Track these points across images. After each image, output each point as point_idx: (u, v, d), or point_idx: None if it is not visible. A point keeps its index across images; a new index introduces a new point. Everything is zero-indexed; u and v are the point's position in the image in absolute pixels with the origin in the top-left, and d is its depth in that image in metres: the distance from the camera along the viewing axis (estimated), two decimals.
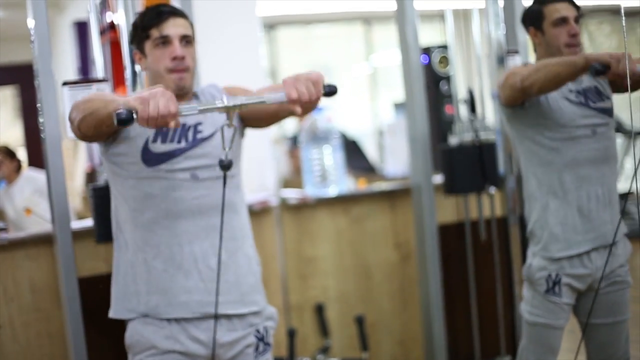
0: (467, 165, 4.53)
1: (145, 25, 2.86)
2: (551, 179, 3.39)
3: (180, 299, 2.81)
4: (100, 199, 3.65)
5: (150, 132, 2.81)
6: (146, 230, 2.81)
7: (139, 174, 2.81)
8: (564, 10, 3.38)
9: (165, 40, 2.83)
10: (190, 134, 2.84)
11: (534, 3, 3.48)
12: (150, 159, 2.80)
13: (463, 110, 4.68)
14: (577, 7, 3.42)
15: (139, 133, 2.81)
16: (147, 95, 2.40)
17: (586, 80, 3.44)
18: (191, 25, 2.92)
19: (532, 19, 3.46)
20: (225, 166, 2.53)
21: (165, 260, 2.81)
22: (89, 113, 2.62)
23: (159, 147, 2.81)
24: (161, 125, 2.41)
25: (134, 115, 2.39)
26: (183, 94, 2.87)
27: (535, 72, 3.22)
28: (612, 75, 3.03)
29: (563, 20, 3.38)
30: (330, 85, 2.60)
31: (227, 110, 2.49)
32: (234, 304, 2.85)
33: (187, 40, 2.87)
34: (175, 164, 2.80)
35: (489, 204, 4.60)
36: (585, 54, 3.15)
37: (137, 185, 2.81)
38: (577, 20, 3.41)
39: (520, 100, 3.36)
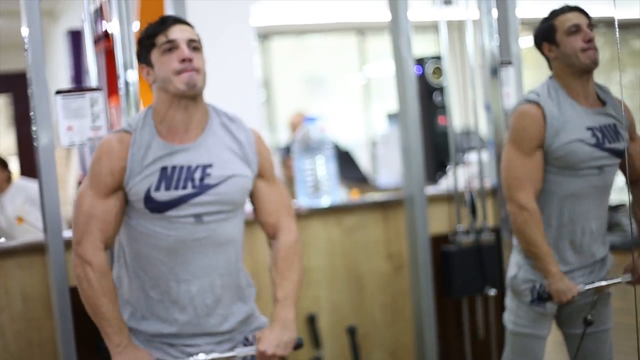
0: (466, 269, 4.58)
1: (151, 34, 2.79)
2: (550, 210, 3.37)
3: (171, 330, 2.82)
4: None
5: (152, 180, 2.73)
6: (145, 261, 2.80)
7: (142, 214, 2.77)
8: (576, 18, 3.33)
9: (172, 46, 2.75)
10: (197, 177, 2.75)
11: (542, 21, 3.41)
12: (153, 207, 2.74)
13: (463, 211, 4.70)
14: (587, 16, 3.37)
15: (141, 182, 2.74)
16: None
17: (606, 118, 3.37)
18: (197, 34, 2.85)
19: (544, 34, 3.39)
20: None
21: (162, 292, 2.80)
22: (83, 298, 2.77)
23: (162, 194, 2.73)
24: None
25: None
26: (195, 95, 2.77)
27: (520, 233, 3.32)
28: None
29: (576, 28, 3.32)
30: (297, 345, 2.89)
31: None
32: (224, 336, 2.89)
33: (195, 46, 2.79)
34: (180, 211, 2.74)
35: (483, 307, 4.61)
36: (553, 280, 3.24)
37: (140, 221, 2.78)
38: (589, 27, 3.34)
39: None
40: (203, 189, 2.75)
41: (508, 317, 3.50)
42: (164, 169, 2.74)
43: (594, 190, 3.34)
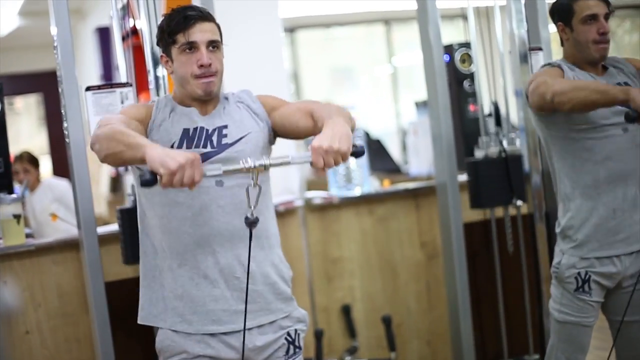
0: (493, 179, 4.53)
1: (172, 31, 2.79)
2: (585, 179, 3.35)
3: (207, 307, 2.79)
4: (127, 221, 3.67)
5: (174, 138, 2.79)
6: (172, 238, 2.80)
7: None
8: (595, 7, 3.33)
9: (191, 46, 2.76)
10: (214, 138, 2.81)
11: None
12: None
13: (488, 122, 4.66)
14: (607, 4, 3.36)
15: (162, 138, 2.78)
16: (175, 166, 2.36)
17: (617, 76, 3.40)
18: (218, 27, 2.85)
19: (561, 14, 3.41)
20: (251, 223, 2.56)
21: (191, 268, 2.79)
22: (112, 153, 2.58)
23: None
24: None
25: (158, 180, 2.40)
26: (210, 98, 2.84)
27: (571, 92, 3.17)
28: None
29: (593, 17, 3.32)
30: (357, 147, 2.56)
31: (252, 170, 2.50)
32: (261, 312, 2.84)
33: (215, 45, 2.80)
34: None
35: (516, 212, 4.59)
36: (627, 90, 3.08)
37: (163, 191, 2.78)
38: (607, 17, 3.34)
39: (549, 111, 3.33)
40: (221, 147, 2.80)
41: (553, 306, 3.46)
42: (185, 129, 2.80)
43: (625, 152, 3.31)
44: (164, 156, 2.39)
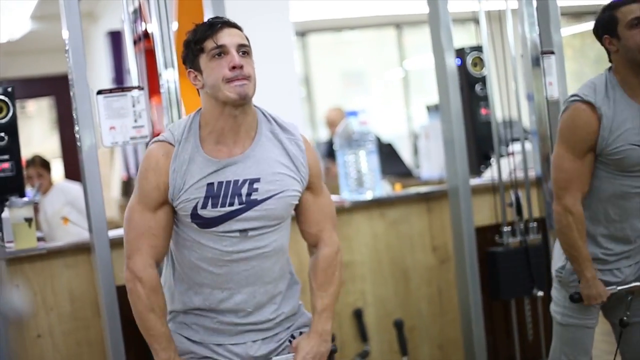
0: (513, 270, 4.53)
1: (199, 38, 2.67)
2: (596, 208, 3.33)
3: (213, 327, 2.83)
4: None
5: (199, 196, 2.69)
6: (191, 269, 2.80)
7: (190, 227, 2.75)
8: (638, 10, 3.21)
9: (221, 51, 2.64)
10: (244, 192, 2.70)
11: (603, 11, 3.30)
12: (201, 222, 2.71)
13: (509, 212, 4.64)
14: None
15: (188, 198, 2.70)
16: None
17: None
18: (246, 37, 2.74)
19: (605, 27, 3.28)
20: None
21: (205, 299, 2.81)
22: (131, 302, 2.78)
23: (209, 212, 2.69)
24: None
25: None
26: (245, 104, 2.68)
27: (561, 229, 3.30)
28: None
29: (638, 20, 3.20)
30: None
31: None
32: (267, 331, 2.88)
33: (245, 50, 2.68)
34: (227, 227, 2.71)
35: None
36: (587, 281, 3.26)
37: (188, 232, 2.76)
38: None
39: None
40: (250, 204, 2.71)
41: (555, 309, 3.47)
42: (210, 184, 2.69)
43: None
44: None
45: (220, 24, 2.70)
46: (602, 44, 3.32)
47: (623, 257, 3.36)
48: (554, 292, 3.49)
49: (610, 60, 3.33)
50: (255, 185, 2.71)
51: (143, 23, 4.10)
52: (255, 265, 2.77)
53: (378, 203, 4.85)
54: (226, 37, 2.67)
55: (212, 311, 2.81)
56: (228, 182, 2.69)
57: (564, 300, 3.43)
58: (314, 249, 2.96)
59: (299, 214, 2.91)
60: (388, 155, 7.62)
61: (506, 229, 4.59)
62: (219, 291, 2.78)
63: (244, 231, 2.72)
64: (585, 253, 3.28)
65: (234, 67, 2.63)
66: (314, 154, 2.87)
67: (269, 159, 2.75)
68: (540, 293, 4.52)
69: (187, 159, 2.70)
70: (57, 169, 10.68)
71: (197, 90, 2.76)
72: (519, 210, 4.58)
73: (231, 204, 2.69)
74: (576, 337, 3.42)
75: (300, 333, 2.92)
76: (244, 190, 2.70)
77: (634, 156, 3.21)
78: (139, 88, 3.77)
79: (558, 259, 3.46)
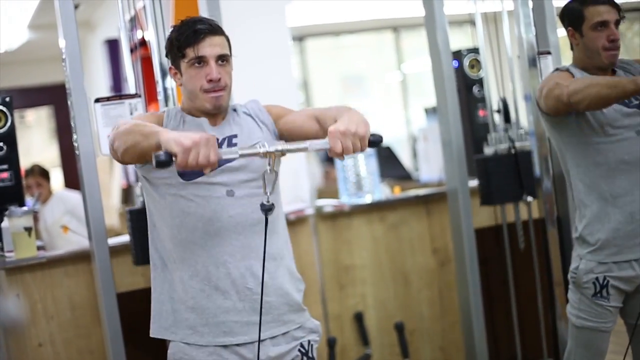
0: (503, 175, 4.51)
1: (181, 45, 2.78)
2: (600, 184, 3.33)
3: (218, 319, 2.78)
4: (136, 222, 3.68)
5: None
6: (183, 249, 2.79)
7: (176, 191, 2.78)
8: (606, 13, 3.31)
9: (201, 60, 2.75)
10: (224, 147, 2.79)
11: (572, 0, 3.41)
12: (186, 172, 2.73)
13: (497, 119, 4.65)
14: (618, 10, 3.34)
15: None
16: (189, 143, 2.37)
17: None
18: (228, 40, 2.83)
19: (572, 19, 3.39)
20: (267, 210, 2.56)
21: (202, 279, 2.78)
22: (131, 145, 2.60)
23: None
24: (197, 170, 2.46)
25: (173, 160, 2.39)
26: (219, 112, 2.83)
27: (584, 89, 3.15)
28: None
29: (603, 24, 3.31)
30: (375, 136, 2.55)
31: (269, 155, 2.49)
32: (273, 323, 2.83)
33: (224, 59, 2.79)
34: (212, 177, 2.75)
35: (526, 210, 4.57)
36: (636, 80, 3.06)
37: (174, 202, 2.78)
38: (617, 23, 3.33)
39: (565, 112, 3.32)
40: None
41: (571, 311, 3.44)
42: None
43: (639, 156, 3.28)
44: (178, 136, 2.40)
45: (203, 33, 2.77)
46: (566, 31, 3.43)
47: (634, 241, 3.31)
48: (570, 294, 3.47)
49: (571, 49, 3.47)
50: (234, 141, 2.82)
51: (140, 31, 4.11)
52: (248, 235, 2.76)
53: (377, 206, 4.85)
54: (207, 48, 2.76)
55: (213, 292, 2.76)
56: None
57: (579, 303, 3.41)
58: None
59: (300, 132, 2.86)
60: (387, 159, 7.62)
61: (494, 135, 4.59)
62: (214, 267, 2.76)
63: (229, 189, 2.75)
64: (606, 78, 3.22)
65: (211, 80, 2.75)
66: (271, 105, 2.97)
67: (243, 122, 2.88)
68: (530, 198, 4.51)
69: (179, 121, 2.84)
70: (57, 178, 10.68)
71: (178, 85, 2.89)
72: (507, 117, 4.59)
73: None
74: (591, 340, 3.40)
75: (310, 342, 2.90)
76: (225, 146, 2.80)
77: (609, 110, 3.28)
78: (137, 96, 3.77)
79: (572, 260, 3.46)
